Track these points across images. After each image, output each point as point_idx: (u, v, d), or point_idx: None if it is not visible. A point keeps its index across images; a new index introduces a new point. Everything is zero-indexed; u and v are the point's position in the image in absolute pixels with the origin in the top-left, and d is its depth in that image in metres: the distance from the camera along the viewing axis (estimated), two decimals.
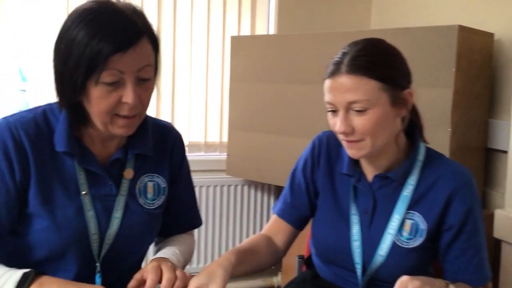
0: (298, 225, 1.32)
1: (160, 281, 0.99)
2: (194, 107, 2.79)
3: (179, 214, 1.26)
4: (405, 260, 1.15)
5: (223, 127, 2.85)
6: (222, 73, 2.82)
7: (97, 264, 1.09)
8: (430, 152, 1.21)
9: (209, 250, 2.78)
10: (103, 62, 0.93)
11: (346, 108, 1.09)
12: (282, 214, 1.32)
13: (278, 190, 2.86)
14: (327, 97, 1.12)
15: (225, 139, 2.83)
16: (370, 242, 1.17)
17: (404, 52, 1.16)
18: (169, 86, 2.71)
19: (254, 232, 2.86)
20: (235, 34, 2.80)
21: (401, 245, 1.15)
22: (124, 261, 1.15)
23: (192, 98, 2.78)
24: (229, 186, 2.79)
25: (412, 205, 1.16)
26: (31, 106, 1.21)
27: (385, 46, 1.15)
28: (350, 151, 1.14)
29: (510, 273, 1.79)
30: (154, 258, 1.10)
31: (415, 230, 1.15)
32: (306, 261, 1.40)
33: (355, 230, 1.18)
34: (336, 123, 1.11)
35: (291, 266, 2.53)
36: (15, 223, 1.04)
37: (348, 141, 1.11)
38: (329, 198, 1.25)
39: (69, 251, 1.06)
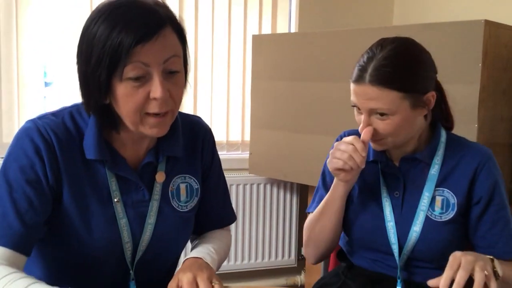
0: None
1: None
2: (216, 106, 2.80)
3: (213, 210, 1.22)
4: (439, 233, 1.19)
5: (245, 126, 2.86)
6: (244, 72, 2.83)
7: (131, 272, 1.06)
8: (451, 135, 1.29)
9: (232, 248, 2.79)
10: (125, 55, 0.88)
11: (369, 112, 1.16)
12: None
13: (301, 188, 2.86)
14: (352, 98, 1.18)
15: (247, 137, 2.84)
16: (404, 221, 1.22)
17: (429, 48, 1.17)
18: (190, 86, 2.70)
19: (277, 230, 2.87)
20: (256, 32, 2.81)
21: (434, 219, 1.20)
22: (158, 266, 1.12)
23: (214, 97, 2.79)
24: (251, 184, 2.79)
25: (440, 183, 1.22)
26: (55, 103, 1.15)
27: (412, 51, 1.18)
28: (373, 145, 1.21)
29: None
30: (188, 258, 1.06)
31: (446, 205, 1.21)
32: (338, 255, 1.42)
33: (388, 211, 1.24)
34: (360, 122, 1.18)
35: (314, 265, 2.53)
36: (49, 223, 1.00)
37: (371, 139, 1.18)
38: (359, 186, 1.29)
39: (103, 260, 1.03)
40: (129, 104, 0.93)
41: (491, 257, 1.05)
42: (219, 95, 2.80)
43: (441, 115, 1.28)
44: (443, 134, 1.26)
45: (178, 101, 0.99)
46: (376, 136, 1.17)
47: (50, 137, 0.97)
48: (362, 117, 1.17)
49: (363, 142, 1.16)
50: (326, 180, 1.36)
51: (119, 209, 1.03)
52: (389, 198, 1.25)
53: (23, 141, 0.97)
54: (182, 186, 1.12)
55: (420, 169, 1.23)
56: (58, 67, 2.47)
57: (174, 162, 1.11)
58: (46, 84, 2.51)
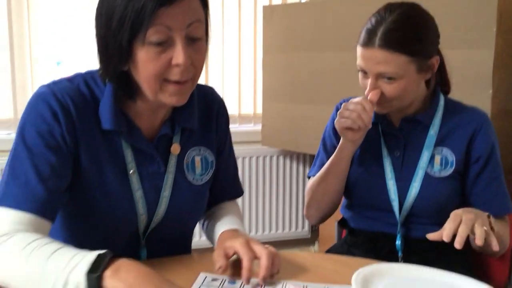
0: None
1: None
2: (228, 79, 2.80)
3: (225, 182, 1.22)
4: (438, 189, 1.24)
5: (257, 99, 2.86)
6: (255, 44, 2.82)
7: (142, 241, 1.07)
8: (448, 99, 1.33)
9: (246, 220, 2.82)
10: (148, 17, 0.85)
11: (376, 76, 1.18)
12: None
13: (313, 158, 2.86)
14: (359, 62, 1.20)
15: (259, 110, 2.84)
16: (404, 178, 1.27)
17: (442, 14, 1.21)
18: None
19: (290, 202, 2.89)
20: (267, 3, 2.79)
21: (433, 175, 1.25)
22: (171, 238, 1.11)
23: (225, 70, 2.79)
24: (264, 156, 2.81)
25: (439, 142, 1.27)
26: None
27: (419, 16, 1.20)
28: (377, 108, 1.24)
29: None
30: (226, 231, 1.07)
31: (445, 162, 1.26)
32: (340, 223, 1.46)
33: (388, 170, 1.29)
34: (366, 87, 1.20)
35: (327, 235, 2.55)
36: (69, 185, 0.98)
37: (376, 102, 1.20)
38: (361, 147, 1.32)
39: (117, 229, 1.03)
40: (150, 70, 0.91)
41: (488, 213, 1.08)
42: (231, 68, 2.80)
43: (439, 80, 1.32)
44: (442, 98, 1.30)
45: (199, 69, 0.96)
46: (382, 99, 1.19)
47: (66, 102, 0.95)
48: (368, 81, 1.19)
49: (371, 102, 1.19)
50: (326, 145, 1.41)
51: (134, 180, 1.02)
52: (390, 158, 1.29)
53: (40, 106, 0.94)
54: (197, 159, 1.11)
55: (420, 130, 1.28)
56: (69, 45, 2.49)
57: (189, 134, 1.10)
58: (58, 63, 2.53)
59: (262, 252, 0.94)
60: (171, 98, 0.94)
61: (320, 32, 2.39)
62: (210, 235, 1.19)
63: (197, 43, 0.93)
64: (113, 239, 1.03)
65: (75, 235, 1.05)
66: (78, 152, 0.97)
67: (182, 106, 1.01)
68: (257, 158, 2.79)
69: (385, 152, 1.30)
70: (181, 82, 0.93)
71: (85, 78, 1.01)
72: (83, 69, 1.05)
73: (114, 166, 1.01)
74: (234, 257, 0.98)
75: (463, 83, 1.83)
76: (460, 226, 0.99)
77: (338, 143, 1.33)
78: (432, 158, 1.26)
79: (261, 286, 0.95)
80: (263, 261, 0.93)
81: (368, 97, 1.19)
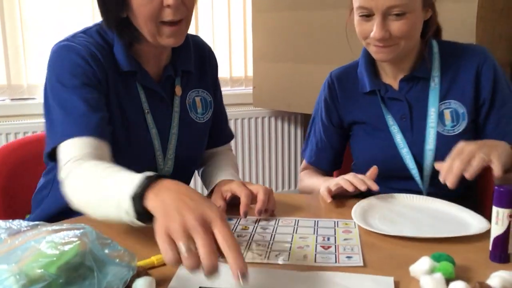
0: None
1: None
2: (218, 42, 2.82)
3: (218, 126, 1.31)
4: (455, 145, 1.15)
5: (247, 61, 2.89)
6: (244, 5, 2.82)
7: None
8: (442, 43, 1.27)
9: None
10: None
11: (384, 13, 1.11)
12: (312, 162, 1.41)
13: (305, 117, 2.92)
14: (362, 2, 1.12)
15: (249, 73, 2.87)
16: (417, 143, 1.22)
17: None
18: (191, 24, 2.73)
19: (283, 161, 2.96)
20: None
21: (447, 134, 1.20)
22: (182, 174, 1.19)
23: (215, 33, 2.80)
24: (256, 118, 2.86)
25: (444, 95, 1.21)
26: None
27: None
28: (380, 55, 1.18)
29: None
30: (222, 180, 1.13)
31: (456, 116, 1.20)
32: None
33: (399, 138, 1.23)
34: (371, 29, 1.13)
35: None
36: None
37: (381, 46, 1.15)
38: (362, 122, 1.30)
39: (136, 168, 1.09)
40: (145, 13, 0.98)
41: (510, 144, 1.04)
42: (221, 31, 2.81)
43: (430, 24, 1.24)
44: (435, 45, 1.25)
45: (190, 8, 1.03)
46: (390, 41, 1.14)
47: (90, 49, 1.03)
48: (371, 25, 1.13)
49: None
50: (315, 128, 1.39)
51: (149, 119, 1.11)
52: (397, 124, 1.23)
53: (68, 55, 1.01)
54: (197, 99, 1.21)
55: (421, 86, 1.23)
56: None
57: (187, 78, 1.19)
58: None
59: (259, 188, 1.03)
60: (168, 39, 1.03)
61: None
62: (206, 180, 1.25)
63: None
64: None
65: None
66: (108, 93, 1.05)
67: (180, 50, 1.12)
68: (249, 119, 2.85)
69: (390, 120, 1.24)
70: (175, 22, 1.00)
71: (96, 29, 1.09)
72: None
73: (133, 105, 1.10)
74: None
75: (448, 34, 1.85)
76: (454, 161, 0.96)
77: (330, 125, 1.33)
78: (442, 114, 1.20)
79: (257, 221, 1.03)
80: (260, 196, 1.01)
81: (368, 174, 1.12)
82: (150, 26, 1.00)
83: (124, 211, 0.78)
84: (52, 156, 0.99)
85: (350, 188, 1.09)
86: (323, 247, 0.89)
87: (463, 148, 0.99)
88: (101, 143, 0.97)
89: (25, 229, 0.66)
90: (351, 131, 1.35)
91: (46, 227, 0.67)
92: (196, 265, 0.66)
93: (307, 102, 2.51)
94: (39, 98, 2.50)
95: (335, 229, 0.98)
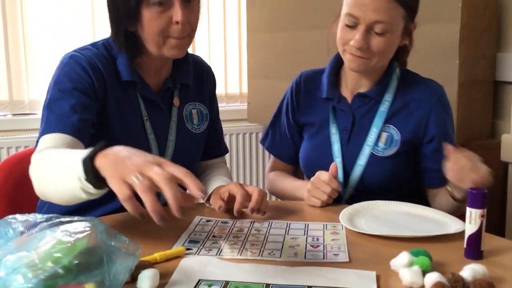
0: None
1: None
2: (214, 60, 2.91)
3: (214, 138, 1.40)
4: (382, 166, 1.28)
5: (242, 79, 2.98)
6: (239, 25, 2.93)
7: None
8: (405, 72, 1.34)
9: None
10: None
11: (368, 26, 1.18)
12: (274, 152, 1.50)
13: None
14: (352, 10, 1.18)
15: (244, 90, 2.96)
16: (350, 156, 1.31)
17: None
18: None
19: None
20: None
21: (377, 154, 1.29)
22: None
23: (212, 51, 2.90)
24: (250, 133, 2.94)
25: (388, 119, 1.29)
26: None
27: None
28: (352, 64, 1.24)
29: None
30: (217, 187, 1.21)
31: (390, 141, 1.29)
32: None
33: (336, 147, 1.32)
34: (353, 38, 1.19)
35: None
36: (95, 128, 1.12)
37: (357, 56, 1.22)
38: (311, 125, 1.39)
39: None
40: (154, 27, 1.09)
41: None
42: (217, 50, 2.90)
43: (403, 52, 1.33)
44: (397, 71, 1.32)
45: (194, 26, 1.15)
46: (366, 53, 1.20)
47: (94, 61, 1.14)
48: (353, 34, 1.19)
49: (334, 176, 1.19)
50: (280, 121, 1.46)
51: (147, 126, 1.21)
52: (338, 134, 1.32)
53: (71, 64, 1.13)
54: (194, 111, 1.31)
55: (371, 106, 1.30)
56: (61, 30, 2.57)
57: (185, 91, 1.29)
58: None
59: (254, 189, 1.11)
60: (172, 50, 1.13)
61: (301, 12, 2.50)
62: None
63: (191, 4, 1.12)
64: None
65: None
66: (106, 101, 1.15)
67: (180, 65, 1.21)
68: (244, 134, 2.93)
69: (333, 128, 1.32)
70: (180, 37, 1.12)
71: (103, 43, 1.21)
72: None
73: (132, 113, 1.19)
74: None
75: (433, 55, 1.97)
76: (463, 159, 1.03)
77: (291, 121, 1.41)
78: (379, 136, 1.28)
79: (251, 224, 1.10)
80: (254, 196, 1.09)
81: (331, 169, 1.20)
82: (157, 38, 1.11)
83: (76, 177, 0.82)
84: None
85: (323, 203, 1.20)
86: (312, 246, 0.97)
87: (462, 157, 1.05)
88: (74, 141, 1.05)
89: (41, 220, 0.73)
90: (302, 131, 1.43)
91: (60, 218, 0.74)
92: (150, 189, 0.71)
93: None
94: (40, 113, 2.57)
95: (323, 231, 1.05)
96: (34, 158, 1.01)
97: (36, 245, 0.67)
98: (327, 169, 1.25)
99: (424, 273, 0.80)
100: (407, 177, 1.35)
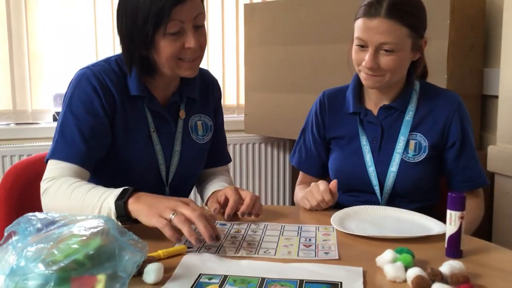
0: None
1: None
2: (212, 73, 2.96)
3: (218, 147, 1.47)
4: (413, 172, 1.36)
5: (240, 91, 3.07)
6: (237, 39, 3.02)
7: (166, 188, 1.32)
8: (424, 84, 1.44)
9: None
10: (167, 15, 1.11)
11: (376, 47, 1.28)
12: (302, 168, 1.57)
13: (292, 143, 3.07)
14: (361, 34, 1.29)
15: (242, 101, 3.05)
16: (382, 164, 1.39)
17: None
18: None
19: (272, 184, 3.11)
20: (248, 1, 2.98)
21: (408, 160, 1.37)
22: (185, 185, 1.39)
23: (210, 64, 2.98)
24: (247, 144, 3.02)
25: (414, 128, 1.38)
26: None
27: None
28: (368, 82, 1.34)
29: (502, 200, 2.00)
30: (217, 190, 1.30)
31: (418, 148, 1.37)
32: None
33: (368, 157, 1.40)
34: (364, 59, 1.29)
35: None
36: (106, 148, 1.22)
37: (370, 75, 1.32)
38: (340, 138, 1.47)
39: (144, 178, 1.27)
40: (168, 53, 1.17)
41: None
42: (215, 63, 2.99)
43: (418, 65, 1.41)
44: (417, 83, 1.42)
45: (203, 48, 1.23)
46: (377, 71, 1.29)
47: (104, 79, 1.21)
48: (365, 54, 1.29)
49: (332, 193, 1.27)
50: (305, 137, 1.56)
51: (154, 137, 1.28)
52: (368, 145, 1.40)
53: (83, 83, 1.21)
54: (199, 123, 1.38)
55: (396, 116, 1.39)
56: (64, 40, 2.65)
57: (191, 104, 1.37)
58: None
59: (247, 194, 1.19)
60: (186, 71, 1.22)
61: (296, 27, 2.59)
62: (204, 194, 1.41)
63: (201, 29, 1.21)
64: (141, 188, 1.21)
65: (106, 184, 1.23)
66: (114, 116, 1.23)
67: (187, 80, 1.29)
68: (241, 145, 3.00)
69: (363, 140, 1.41)
70: (192, 60, 1.21)
71: (115, 59, 1.28)
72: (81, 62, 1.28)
73: (140, 126, 1.27)
74: None
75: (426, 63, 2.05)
76: None
77: (316, 139, 1.50)
78: (407, 143, 1.36)
79: (248, 226, 1.17)
80: (246, 200, 1.19)
81: (330, 185, 1.27)
82: (171, 62, 1.19)
83: (106, 214, 1.02)
84: None
85: (311, 207, 1.30)
86: (305, 245, 1.04)
87: None
88: (81, 170, 1.17)
89: (58, 218, 0.80)
90: (330, 144, 1.51)
91: (75, 216, 0.81)
92: (186, 221, 0.95)
93: (294, 128, 2.65)
94: (42, 123, 2.65)
95: (316, 233, 1.12)
96: (48, 188, 1.12)
97: (55, 239, 0.74)
98: (360, 179, 1.38)
99: (406, 269, 0.87)
100: (437, 181, 1.44)
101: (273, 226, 1.17)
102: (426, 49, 2.06)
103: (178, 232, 0.96)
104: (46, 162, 1.19)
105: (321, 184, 1.29)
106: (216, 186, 1.35)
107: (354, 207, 1.27)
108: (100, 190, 1.07)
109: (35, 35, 2.57)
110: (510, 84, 1.99)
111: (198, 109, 1.39)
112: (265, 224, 1.18)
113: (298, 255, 0.98)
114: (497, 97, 2.11)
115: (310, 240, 1.07)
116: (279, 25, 2.68)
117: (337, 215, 1.21)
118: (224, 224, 1.18)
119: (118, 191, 1.05)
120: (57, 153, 1.17)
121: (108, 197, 1.04)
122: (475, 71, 2.24)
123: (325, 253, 0.99)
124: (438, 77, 2.05)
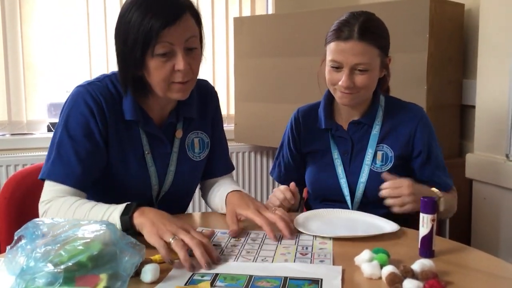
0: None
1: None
2: None
3: (221, 157, 1.46)
4: (381, 180, 1.41)
5: (230, 101, 3.15)
6: (227, 51, 3.10)
7: (155, 205, 1.33)
8: (388, 99, 1.54)
9: None
10: (155, 37, 1.11)
11: (351, 68, 1.37)
12: (281, 181, 1.65)
13: None
14: (335, 57, 1.38)
15: (232, 111, 3.12)
16: (353, 176, 1.49)
17: (386, 23, 1.44)
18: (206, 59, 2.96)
19: (262, 191, 3.19)
20: (237, 15, 3.07)
21: (376, 170, 1.48)
22: (176, 202, 1.39)
23: (201, 76, 3.04)
24: (237, 153, 3.10)
25: (380, 140, 1.48)
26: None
27: (381, 20, 1.45)
28: (343, 100, 1.43)
29: (480, 205, 2.09)
30: (231, 192, 1.30)
31: (385, 158, 1.48)
32: (306, 203, 1.71)
33: (340, 170, 1.51)
34: (340, 79, 1.38)
35: None
36: (101, 170, 1.23)
37: (346, 93, 1.40)
38: (314, 152, 1.57)
39: (135, 198, 1.23)
40: (159, 75, 1.16)
41: (437, 194, 1.35)
42: (206, 74, 3.05)
43: (384, 81, 1.52)
44: (382, 99, 1.52)
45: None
46: (353, 89, 1.39)
47: (99, 99, 1.21)
48: (340, 75, 1.37)
49: (292, 192, 1.37)
50: (283, 153, 1.64)
51: (148, 159, 1.29)
52: (340, 158, 1.50)
53: (79, 103, 1.21)
54: (196, 140, 1.38)
55: (364, 131, 1.49)
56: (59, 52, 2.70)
57: (189, 121, 1.36)
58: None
59: (276, 219, 1.18)
60: (177, 94, 1.21)
61: (284, 40, 2.69)
62: (213, 202, 1.43)
63: (194, 52, 1.19)
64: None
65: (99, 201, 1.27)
66: (107, 137, 1.23)
67: (185, 100, 1.27)
68: (231, 154, 3.07)
69: (335, 154, 1.51)
70: (183, 82, 1.19)
71: (111, 78, 1.27)
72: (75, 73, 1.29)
73: (134, 148, 1.27)
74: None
75: (403, 81, 2.15)
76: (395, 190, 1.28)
77: (292, 155, 1.59)
78: (375, 154, 1.47)
79: (248, 234, 1.20)
80: (279, 225, 1.17)
81: (290, 185, 1.37)
82: (162, 85, 1.18)
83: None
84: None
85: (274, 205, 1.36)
86: (301, 254, 1.07)
87: (403, 184, 1.29)
88: (78, 192, 1.19)
89: (63, 223, 0.88)
90: (306, 158, 1.60)
91: (79, 221, 0.89)
92: (184, 247, 0.98)
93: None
94: (37, 133, 2.71)
95: (313, 242, 1.15)
96: (48, 209, 1.15)
97: (61, 241, 0.82)
98: (333, 190, 1.48)
99: (382, 267, 0.96)
100: None
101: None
102: (406, 62, 2.17)
103: (173, 254, 0.99)
104: (42, 179, 1.20)
105: (282, 186, 1.39)
106: (228, 188, 1.35)
107: (313, 211, 1.38)
108: (103, 207, 1.10)
109: (29, 46, 2.62)
110: (486, 95, 2.09)
111: (196, 125, 1.38)
112: (264, 234, 1.20)
113: (294, 262, 1.02)
114: (475, 107, 2.21)
115: (307, 248, 1.11)
116: (267, 38, 2.77)
117: (300, 218, 1.29)
118: (225, 233, 1.21)
119: (122, 206, 1.08)
120: (54, 174, 1.18)
121: (112, 212, 1.08)
122: (454, 82, 2.34)
123: (320, 261, 1.03)
124: (418, 88, 2.15)
